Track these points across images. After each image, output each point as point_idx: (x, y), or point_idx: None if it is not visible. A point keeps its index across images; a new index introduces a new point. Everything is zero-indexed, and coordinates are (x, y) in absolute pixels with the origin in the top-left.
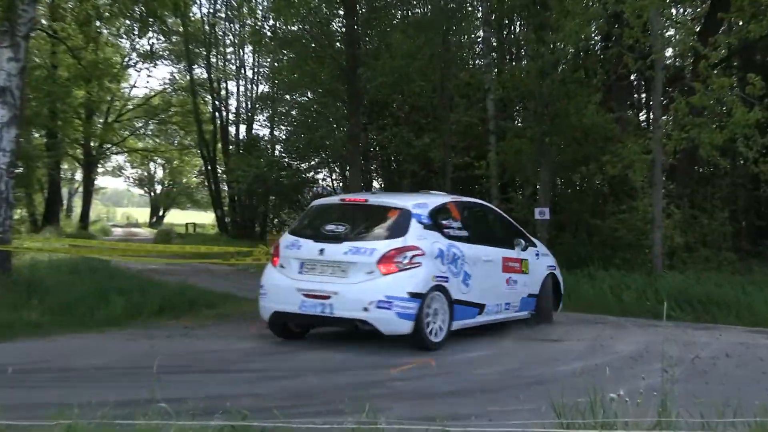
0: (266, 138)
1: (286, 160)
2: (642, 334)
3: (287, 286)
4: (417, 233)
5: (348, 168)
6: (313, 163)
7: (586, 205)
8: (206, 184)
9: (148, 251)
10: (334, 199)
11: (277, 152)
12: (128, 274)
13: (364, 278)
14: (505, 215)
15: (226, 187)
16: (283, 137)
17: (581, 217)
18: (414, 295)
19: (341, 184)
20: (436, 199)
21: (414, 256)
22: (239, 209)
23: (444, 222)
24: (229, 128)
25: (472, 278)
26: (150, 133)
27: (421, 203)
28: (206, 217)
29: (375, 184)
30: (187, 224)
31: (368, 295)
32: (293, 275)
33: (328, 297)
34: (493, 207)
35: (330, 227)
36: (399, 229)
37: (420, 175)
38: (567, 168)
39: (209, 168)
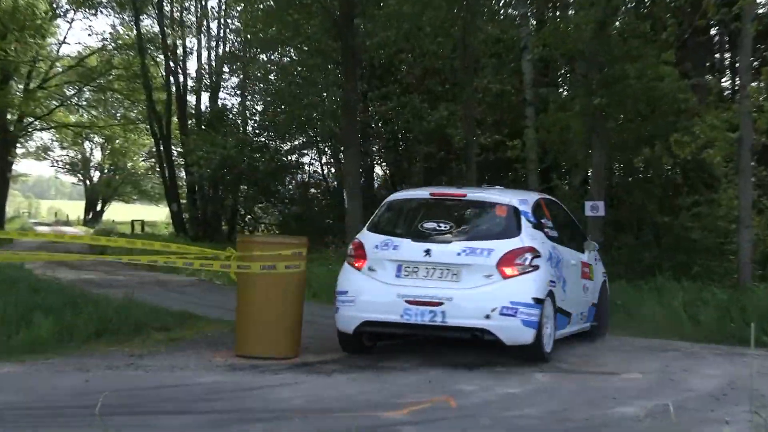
0: (236, 110)
1: (262, 139)
2: (724, 364)
3: (383, 292)
4: (529, 233)
5: (342, 149)
6: (296, 143)
7: (651, 197)
8: (158, 169)
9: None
10: (421, 193)
11: (249, 129)
12: (57, 287)
13: (482, 282)
14: (570, 213)
15: (183, 174)
16: (258, 109)
17: (645, 213)
18: (537, 301)
19: (333, 170)
20: (527, 194)
21: (533, 258)
22: (201, 202)
23: (543, 221)
24: (188, 97)
25: (567, 284)
26: (85, 103)
27: (522, 199)
28: (158, 213)
29: (378, 170)
30: (133, 222)
31: (490, 300)
32: (389, 279)
33: (440, 303)
34: (561, 204)
35: (430, 225)
36: (511, 228)
37: (436, 158)
38: (627, 149)
39: (162, 149)
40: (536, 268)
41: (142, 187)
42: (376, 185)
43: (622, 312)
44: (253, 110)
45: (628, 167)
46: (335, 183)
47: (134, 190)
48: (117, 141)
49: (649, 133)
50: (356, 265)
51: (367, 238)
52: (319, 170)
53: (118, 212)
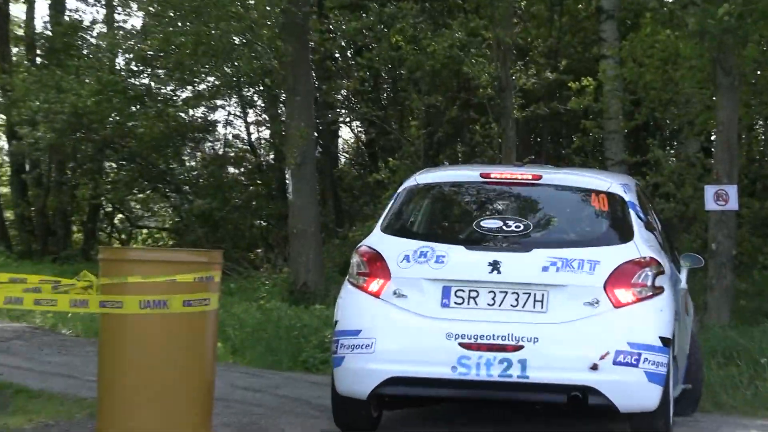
0: (97, 31)
1: (143, 80)
2: None
3: (422, 331)
4: (644, 236)
5: (284, 97)
6: (203, 87)
7: None
8: None
9: None
10: (466, 173)
11: (121, 63)
12: None
13: (583, 313)
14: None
15: (4, 142)
16: (137, 29)
17: None
18: (665, 343)
19: (268, 135)
20: (621, 177)
21: (657, 275)
22: (36, 191)
23: (650, 219)
24: (10, 5)
25: (680, 319)
26: None
27: (625, 183)
28: None
29: (346, 134)
30: None
31: (598, 342)
32: (431, 311)
33: (518, 348)
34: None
35: (493, 223)
36: (619, 229)
37: (445, 114)
38: None
39: None
40: (661, 291)
41: None
42: (342, 161)
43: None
44: (129, 31)
45: None
46: (270, 156)
47: None
48: None
49: None
50: (370, 288)
51: (388, 244)
52: (243, 134)
53: None
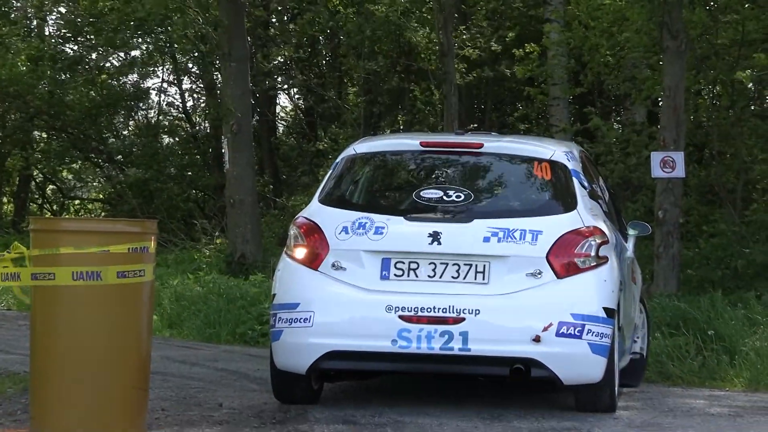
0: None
1: (72, 47)
2: None
3: (362, 304)
4: (587, 205)
5: (219, 62)
6: (136, 54)
7: None
8: None
9: None
10: (405, 141)
11: (51, 30)
12: None
13: (525, 284)
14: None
15: None
16: None
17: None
18: (609, 314)
19: (203, 103)
20: (564, 144)
21: (600, 245)
22: None
23: (594, 187)
24: None
25: (625, 289)
26: None
27: (568, 151)
28: None
29: (284, 102)
30: None
31: (541, 313)
32: (370, 283)
33: (459, 320)
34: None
35: (433, 193)
36: (562, 198)
37: (386, 81)
38: (728, 61)
39: None
40: (605, 261)
41: None
42: (280, 129)
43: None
44: None
45: (730, 94)
46: (205, 125)
47: None
48: None
49: None
50: (308, 260)
51: (326, 215)
52: (178, 102)
53: None
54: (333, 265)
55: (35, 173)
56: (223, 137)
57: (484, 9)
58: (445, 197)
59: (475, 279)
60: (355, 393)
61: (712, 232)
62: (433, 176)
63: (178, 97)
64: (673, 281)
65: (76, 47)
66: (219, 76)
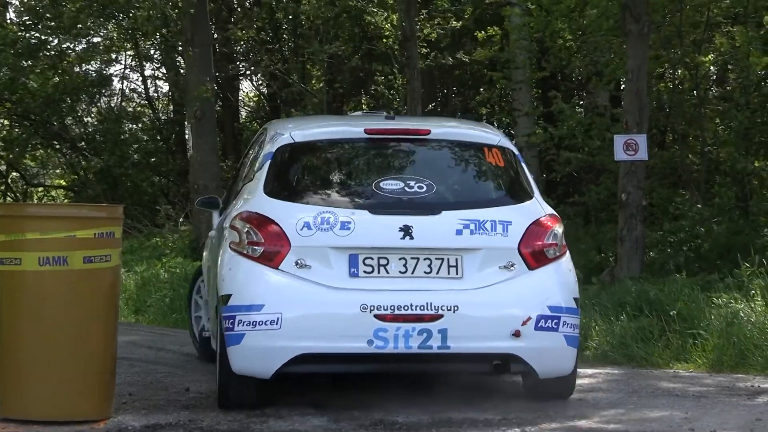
0: None
1: (34, 34)
2: None
3: (335, 303)
4: (538, 192)
5: (181, 47)
6: (98, 39)
7: (735, 130)
8: None
9: None
10: (348, 129)
11: (12, 17)
12: None
13: (499, 276)
14: None
15: None
16: None
17: (724, 156)
18: (577, 304)
19: (166, 89)
20: (490, 128)
21: (562, 234)
22: None
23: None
24: None
25: None
26: None
27: (504, 135)
28: None
29: (247, 87)
30: None
31: (519, 306)
32: (340, 281)
33: (437, 317)
34: None
35: (394, 184)
36: (518, 186)
37: (348, 65)
38: (690, 41)
39: None
40: (566, 250)
41: None
42: (243, 115)
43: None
44: None
45: (692, 75)
46: (170, 111)
47: None
48: None
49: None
50: (266, 258)
51: (281, 209)
52: (141, 89)
53: None
54: (296, 264)
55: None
56: (186, 123)
57: None
58: (407, 188)
59: (449, 274)
60: (321, 378)
61: (676, 214)
62: (388, 166)
63: (140, 83)
64: (636, 264)
65: (37, 33)
66: (182, 60)
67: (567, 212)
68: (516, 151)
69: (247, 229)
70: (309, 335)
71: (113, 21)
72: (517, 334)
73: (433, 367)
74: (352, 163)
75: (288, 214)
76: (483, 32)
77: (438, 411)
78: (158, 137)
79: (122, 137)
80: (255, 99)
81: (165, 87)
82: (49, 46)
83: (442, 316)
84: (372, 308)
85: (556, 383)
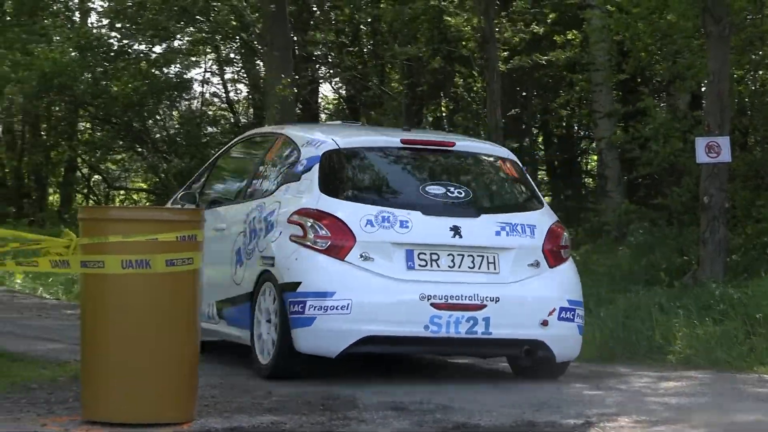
0: None
1: (115, 36)
2: None
3: (396, 292)
4: (545, 202)
5: (261, 52)
6: (181, 44)
7: None
8: None
9: None
10: (385, 138)
11: (93, 21)
12: None
13: (528, 273)
14: None
15: None
16: None
17: None
18: (582, 299)
19: (246, 92)
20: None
21: (569, 237)
22: (9, 154)
23: None
24: None
25: None
26: None
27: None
28: None
29: (326, 91)
30: None
31: (547, 300)
32: (399, 273)
33: (481, 306)
34: None
35: (438, 189)
36: (530, 195)
37: (427, 68)
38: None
39: None
40: (571, 252)
41: None
42: (323, 118)
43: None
44: None
45: None
46: (250, 114)
47: None
48: None
49: None
50: (333, 251)
51: (344, 208)
52: (221, 92)
53: None
54: (361, 256)
55: (80, 164)
56: (266, 126)
57: None
58: (449, 193)
59: (488, 269)
60: (401, 379)
61: (759, 217)
62: (427, 172)
63: (220, 86)
64: (719, 266)
65: (119, 36)
66: (262, 65)
67: (649, 214)
68: (520, 164)
69: (310, 223)
70: (375, 319)
71: (194, 25)
72: (545, 324)
73: (476, 351)
74: (394, 168)
75: (351, 212)
76: (562, 36)
77: (518, 414)
78: None
79: (202, 140)
80: (334, 102)
81: (245, 90)
82: (130, 50)
83: (486, 306)
84: (429, 297)
85: (551, 368)
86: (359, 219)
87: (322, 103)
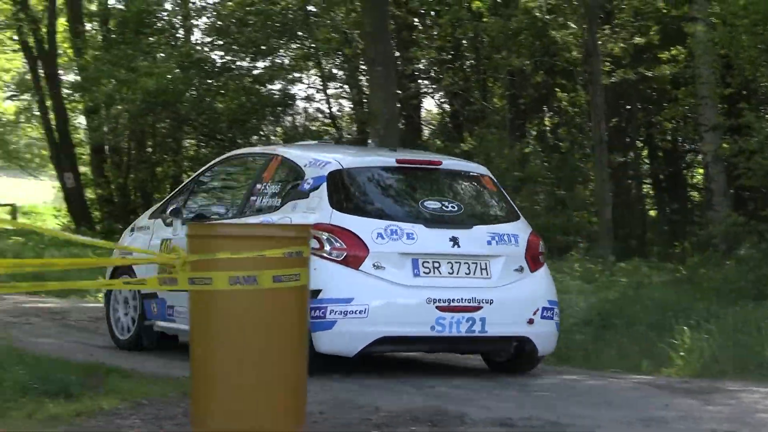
0: (170, 5)
1: (219, 53)
2: None
3: (406, 297)
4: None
5: (365, 67)
6: (285, 60)
7: None
8: (36, 113)
9: None
10: (383, 159)
11: (197, 38)
12: None
13: (514, 277)
14: None
15: (83, 122)
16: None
17: None
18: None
19: (350, 108)
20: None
21: (544, 245)
22: (115, 170)
23: None
24: None
25: None
26: None
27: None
28: (38, 190)
29: (430, 105)
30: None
31: (531, 300)
32: (407, 280)
33: (478, 308)
34: None
35: (434, 204)
36: (508, 208)
37: (530, 81)
38: None
39: (40, 74)
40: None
41: (8, 147)
42: (426, 132)
43: None
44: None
45: None
46: (354, 129)
47: None
48: None
49: None
50: (349, 261)
51: (356, 222)
52: (324, 108)
53: None
54: (374, 266)
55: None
56: (369, 141)
57: (627, 6)
58: (444, 207)
59: (481, 275)
60: (508, 395)
61: None
62: (422, 189)
63: (324, 103)
64: None
65: (222, 53)
66: (365, 81)
67: (758, 227)
68: (495, 180)
69: (326, 237)
70: (388, 321)
71: (296, 42)
72: (530, 322)
73: (473, 348)
74: (393, 185)
75: (363, 226)
76: (667, 51)
77: (627, 430)
78: None
79: None
80: (437, 117)
81: (348, 105)
82: (233, 66)
83: (482, 307)
84: (435, 301)
85: (529, 362)
86: (371, 232)
87: (426, 118)
